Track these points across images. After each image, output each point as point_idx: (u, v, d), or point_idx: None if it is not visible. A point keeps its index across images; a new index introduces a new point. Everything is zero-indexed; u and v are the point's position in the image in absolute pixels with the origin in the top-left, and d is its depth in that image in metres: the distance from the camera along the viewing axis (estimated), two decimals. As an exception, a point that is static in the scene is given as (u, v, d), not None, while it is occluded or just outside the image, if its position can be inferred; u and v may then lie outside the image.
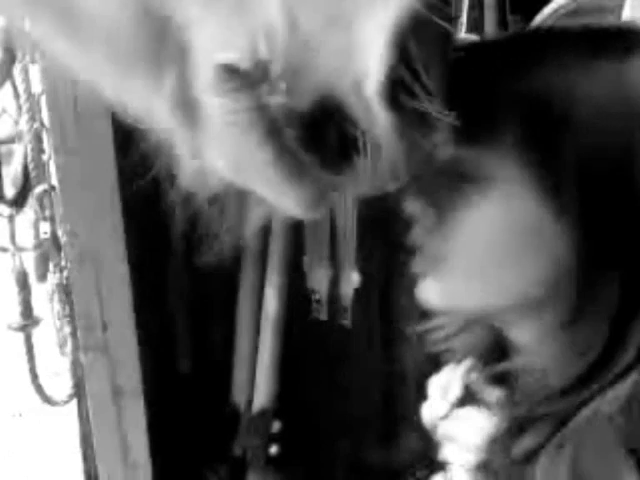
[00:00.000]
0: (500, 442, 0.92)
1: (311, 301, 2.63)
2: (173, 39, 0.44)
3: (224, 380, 2.65)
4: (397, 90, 0.46)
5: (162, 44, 0.45)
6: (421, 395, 1.29)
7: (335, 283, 2.62)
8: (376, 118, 0.47)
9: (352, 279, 2.59)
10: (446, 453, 1.11)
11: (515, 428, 0.88)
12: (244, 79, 0.45)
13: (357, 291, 2.61)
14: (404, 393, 2.91)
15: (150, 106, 0.50)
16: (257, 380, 2.59)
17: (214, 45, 0.44)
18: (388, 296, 2.74)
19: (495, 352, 1.08)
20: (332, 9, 0.44)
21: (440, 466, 1.22)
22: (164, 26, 0.44)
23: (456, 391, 1.13)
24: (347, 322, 2.67)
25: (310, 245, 2.59)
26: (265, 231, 2.58)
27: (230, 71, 0.45)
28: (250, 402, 2.59)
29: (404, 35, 0.44)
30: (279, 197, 0.52)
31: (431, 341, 1.13)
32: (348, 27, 0.43)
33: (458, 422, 1.11)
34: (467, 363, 1.14)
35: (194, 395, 2.73)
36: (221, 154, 0.50)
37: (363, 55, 0.44)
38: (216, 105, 0.47)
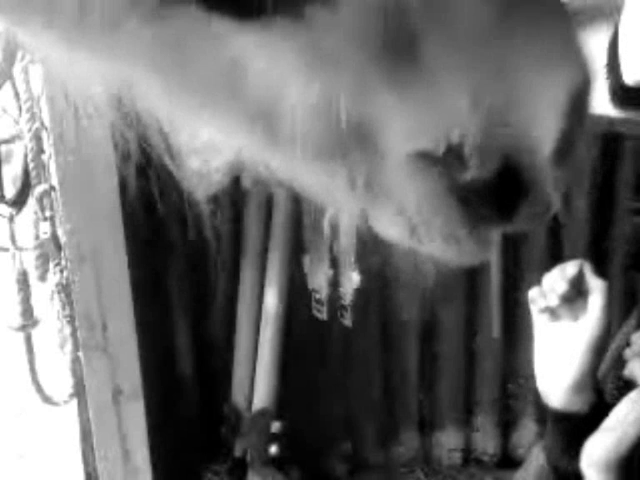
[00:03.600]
0: None
1: (311, 301, 2.63)
2: (361, 137, 0.54)
3: (224, 380, 2.65)
4: (562, 152, 0.58)
5: (351, 143, 0.55)
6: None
7: (335, 283, 2.62)
8: (545, 173, 0.58)
9: (352, 279, 2.59)
10: None
11: None
12: (438, 162, 0.55)
13: (357, 291, 2.62)
14: (404, 392, 2.92)
15: (332, 189, 0.60)
16: (257, 380, 2.59)
17: (405, 136, 0.54)
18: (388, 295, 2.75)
19: None
20: (511, 91, 0.53)
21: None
22: (353, 128, 0.54)
23: (572, 271, 1.31)
24: (347, 322, 2.67)
25: (310, 245, 2.59)
26: (265, 231, 2.58)
27: (424, 156, 0.55)
28: (250, 402, 2.59)
29: (573, 111, 0.55)
30: (447, 250, 0.62)
31: None
32: (524, 105, 0.54)
33: None
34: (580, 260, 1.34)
35: (194, 395, 2.73)
36: (396, 220, 0.60)
37: (538, 127, 0.55)
38: (409, 185, 0.57)
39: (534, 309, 1.37)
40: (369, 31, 0.51)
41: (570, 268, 1.34)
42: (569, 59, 0.56)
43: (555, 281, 1.33)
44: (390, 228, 0.61)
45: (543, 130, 0.55)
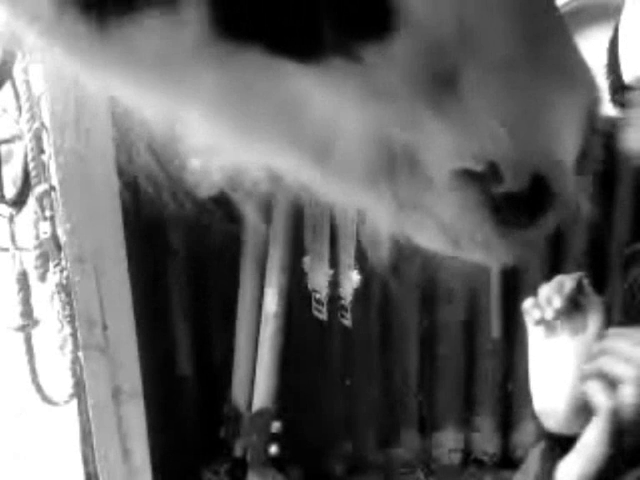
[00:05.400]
0: None
1: (311, 301, 2.63)
2: (408, 160, 0.62)
3: (224, 380, 2.65)
4: (583, 161, 0.66)
5: (398, 166, 0.62)
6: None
7: (335, 283, 2.62)
8: (569, 182, 0.66)
9: (352, 279, 2.60)
10: (613, 368, 1.16)
11: None
12: (476, 178, 0.63)
13: (357, 291, 2.62)
14: (404, 393, 2.92)
15: (375, 206, 0.68)
16: (257, 380, 2.59)
17: (449, 156, 0.61)
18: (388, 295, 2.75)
19: None
20: (537, 113, 0.62)
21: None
22: (401, 152, 0.61)
23: (569, 286, 1.27)
24: (347, 322, 2.67)
25: (310, 245, 2.59)
26: (265, 231, 2.58)
27: (465, 174, 0.62)
28: (250, 402, 2.59)
29: (588, 125, 0.65)
30: (484, 254, 0.70)
31: None
32: (550, 124, 0.63)
33: (620, 338, 1.18)
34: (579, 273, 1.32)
35: (194, 395, 2.73)
36: (439, 233, 0.67)
37: (562, 142, 0.64)
38: (449, 201, 0.65)
39: (529, 320, 1.31)
40: (417, 67, 0.58)
41: (568, 282, 1.28)
42: (582, 80, 0.66)
43: (551, 295, 1.28)
44: (430, 239, 0.69)
45: (566, 146, 0.64)
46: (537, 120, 0.62)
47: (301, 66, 0.57)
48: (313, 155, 0.62)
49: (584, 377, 1.20)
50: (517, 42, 0.61)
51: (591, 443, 1.12)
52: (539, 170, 0.64)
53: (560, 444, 1.24)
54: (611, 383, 1.16)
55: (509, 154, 0.61)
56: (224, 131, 0.63)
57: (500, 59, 0.60)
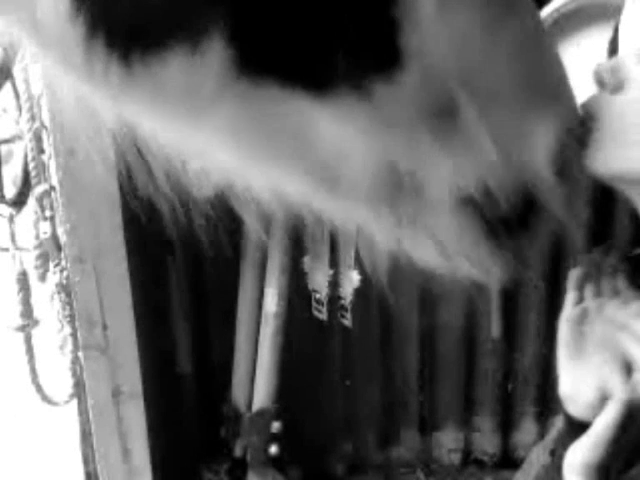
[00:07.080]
0: None
1: (311, 301, 2.63)
2: (410, 186, 0.67)
3: (224, 380, 2.65)
4: (563, 168, 0.71)
5: (402, 190, 0.67)
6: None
7: (335, 283, 2.62)
8: (555, 194, 0.71)
9: (352, 279, 2.59)
10: (630, 349, 1.15)
11: None
12: (474, 202, 0.69)
13: (357, 291, 2.62)
14: (404, 393, 2.92)
15: (376, 225, 0.74)
16: (257, 380, 2.59)
17: (450, 183, 0.67)
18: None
19: None
20: (523, 136, 0.68)
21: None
22: (405, 179, 0.66)
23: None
24: (347, 322, 2.67)
25: (310, 245, 2.59)
26: (265, 231, 2.58)
27: (464, 198, 0.68)
28: (250, 402, 2.59)
29: (564, 136, 0.71)
30: (477, 271, 0.76)
31: None
32: (530, 138, 0.68)
33: None
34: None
35: (194, 395, 2.73)
36: (435, 250, 0.73)
37: (538, 153, 0.69)
38: (448, 223, 0.70)
39: (567, 297, 1.32)
40: (422, 101, 0.63)
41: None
42: (563, 98, 0.73)
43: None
44: (427, 255, 0.75)
45: (541, 158, 0.70)
46: (524, 142, 0.69)
47: (315, 99, 0.61)
48: (322, 178, 0.67)
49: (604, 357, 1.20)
50: (510, 74, 0.67)
51: (600, 430, 1.11)
52: (528, 189, 0.70)
53: (581, 431, 1.23)
54: (627, 368, 1.15)
55: (502, 178, 0.68)
56: (241, 157, 0.68)
57: (495, 91, 0.66)
